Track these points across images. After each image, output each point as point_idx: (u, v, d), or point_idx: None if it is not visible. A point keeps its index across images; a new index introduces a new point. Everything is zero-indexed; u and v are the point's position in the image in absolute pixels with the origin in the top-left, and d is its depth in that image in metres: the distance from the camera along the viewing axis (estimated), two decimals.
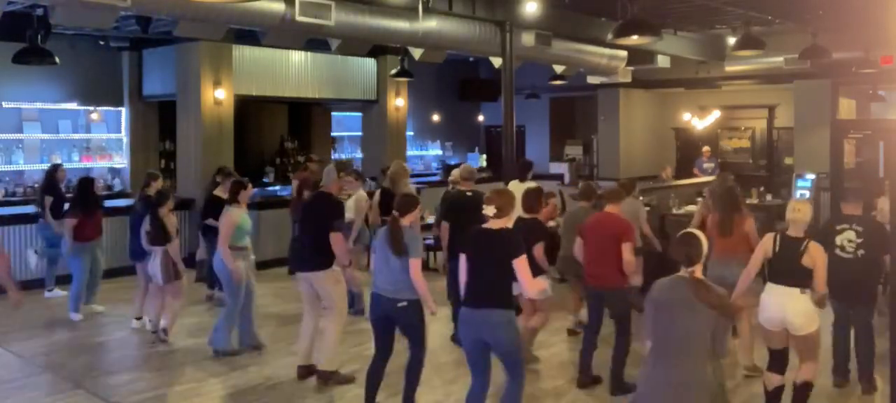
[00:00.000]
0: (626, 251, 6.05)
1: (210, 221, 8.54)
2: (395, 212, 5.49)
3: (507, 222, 4.99)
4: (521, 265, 4.77)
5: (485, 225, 4.97)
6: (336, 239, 6.28)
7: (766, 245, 5.41)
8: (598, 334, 6.32)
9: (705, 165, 15.14)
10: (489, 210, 4.89)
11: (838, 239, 6.05)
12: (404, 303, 5.32)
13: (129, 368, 7.00)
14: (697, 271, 4.09)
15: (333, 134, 16.25)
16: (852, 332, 6.27)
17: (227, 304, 7.12)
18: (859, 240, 5.97)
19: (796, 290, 5.20)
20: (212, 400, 6.20)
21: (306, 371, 6.51)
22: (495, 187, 5.50)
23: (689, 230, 4.34)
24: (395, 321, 5.42)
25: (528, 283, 4.84)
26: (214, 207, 8.40)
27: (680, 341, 3.99)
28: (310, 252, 6.40)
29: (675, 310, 4.00)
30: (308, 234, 6.49)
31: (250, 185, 7.49)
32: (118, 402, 6.11)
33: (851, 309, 6.16)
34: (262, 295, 9.56)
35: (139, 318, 8.13)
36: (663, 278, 4.24)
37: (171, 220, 7.54)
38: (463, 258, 4.96)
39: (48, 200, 9.23)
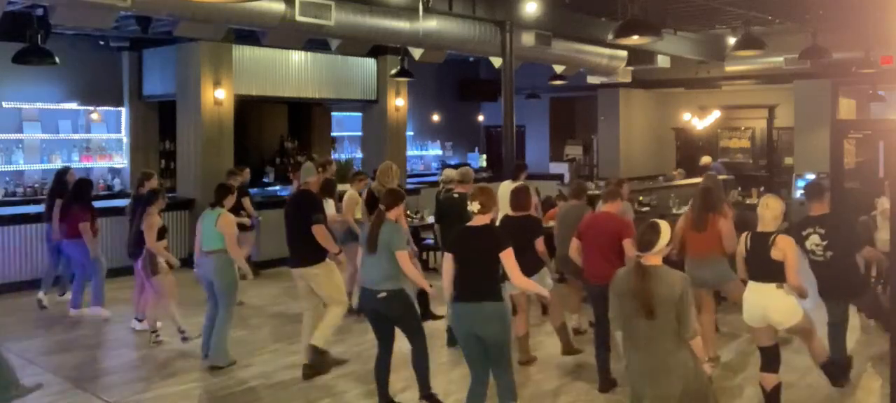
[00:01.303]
0: (628, 247, 5.97)
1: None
2: (381, 206, 5.59)
3: (490, 219, 5.03)
4: (508, 258, 4.80)
5: (469, 224, 5.02)
6: (318, 230, 6.34)
7: (739, 246, 5.47)
8: (609, 332, 6.26)
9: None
10: (474, 206, 4.94)
11: (807, 244, 6.13)
12: (384, 294, 5.42)
13: (129, 368, 6.99)
14: (651, 258, 4.17)
15: (333, 134, 16.25)
16: (847, 331, 6.33)
17: (223, 314, 6.86)
18: (824, 243, 6.00)
19: (772, 286, 5.21)
20: (212, 401, 6.20)
21: (310, 369, 6.52)
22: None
23: (654, 220, 4.41)
24: (379, 312, 5.52)
25: (517, 275, 4.86)
26: None
27: (645, 329, 4.11)
28: (298, 248, 6.46)
29: (635, 298, 4.12)
30: (293, 231, 6.54)
31: (235, 192, 7.41)
32: (117, 402, 6.12)
33: (843, 303, 6.22)
34: (261, 295, 9.60)
35: (141, 320, 8.12)
36: (622, 267, 4.33)
37: (154, 219, 7.37)
38: (449, 257, 5.00)
39: (59, 203, 9.21)
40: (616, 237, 6.09)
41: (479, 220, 4.96)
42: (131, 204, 8.40)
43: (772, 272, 5.21)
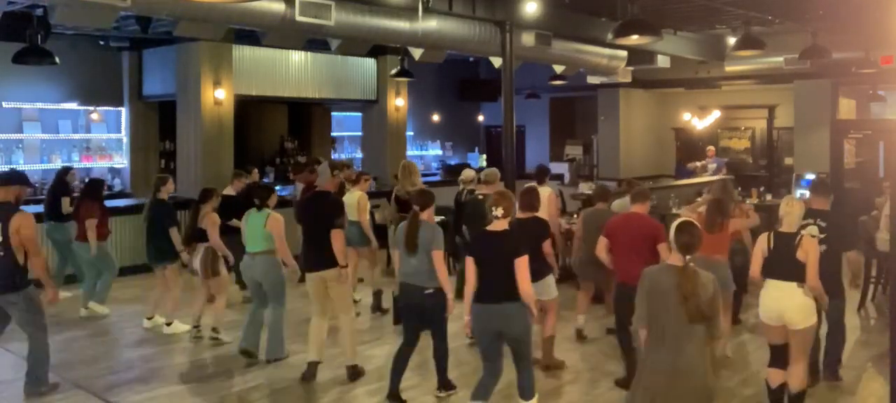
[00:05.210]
0: (664, 251, 5.87)
1: (233, 222, 8.11)
2: (415, 207, 5.75)
3: (508, 223, 5.21)
4: (521, 265, 4.97)
5: (489, 228, 5.18)
6: (336, 235, 6.33)
7: (761, 243, 5.49)
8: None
9: (709, 166, 15.16)
10: (498, 211, 5.11)
11: (805, 232, 6.07)
12: (431, 291, 5.64)
13: (131, 368, 6.98)
14: (689, 260, 4.14)
15: (333, 134, 16.26)
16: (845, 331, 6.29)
17: (277, 312, 6.92)
18: (822, 236, 5.98)
19: (793, 285, 5.25)
20: (213, 401, 6.20)
21: (316, 368, 6.49)
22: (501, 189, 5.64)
23: (686, 219, 4.40)
24: (423, 307, 5.70)
25: (526, 284, 4.98)
26: (229, 207, 8.41)
27: (675, 327, 4.07)
28: (318, 251, 6.37)
29: (669, 297, 4.07)
30: (314, 234, 6.44)
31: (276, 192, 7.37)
32: (118, 402, 6.12)
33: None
34: None
35: (150, 318, 8.12)
36: (653, 266, 4.36)
37: (213, 218, 7.48)
38: (470, 260, 5.15)
39: (65, 201, 9.20)
40: (651, 239, 6.05)
41: (498, 225, 5.13)
42: (149, 210, 8.08)
43: (794, 272, 5.25)
